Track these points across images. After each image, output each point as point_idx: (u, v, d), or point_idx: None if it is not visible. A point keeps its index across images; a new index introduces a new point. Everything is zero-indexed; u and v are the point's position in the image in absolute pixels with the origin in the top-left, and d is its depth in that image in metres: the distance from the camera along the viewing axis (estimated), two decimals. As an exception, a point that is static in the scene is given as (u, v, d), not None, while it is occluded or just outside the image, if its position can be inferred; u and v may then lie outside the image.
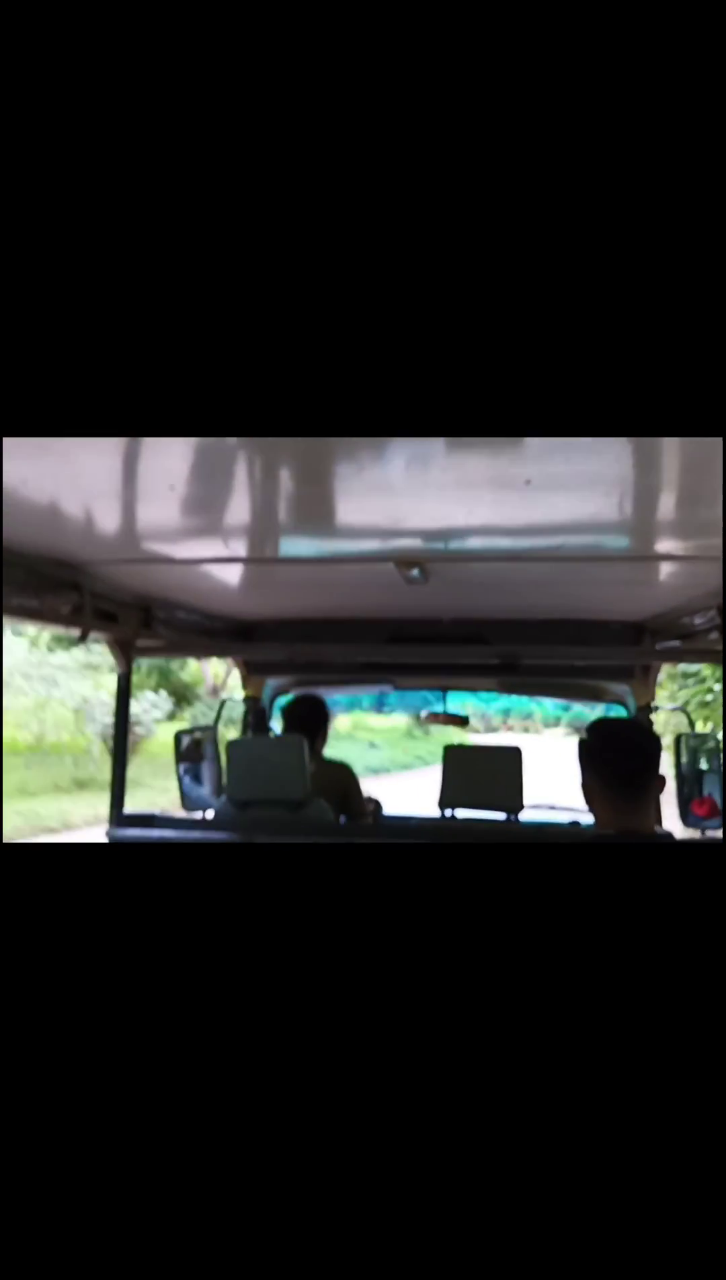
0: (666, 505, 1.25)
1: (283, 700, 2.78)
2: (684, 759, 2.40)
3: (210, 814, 2.39)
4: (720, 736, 2.37)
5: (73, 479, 1.11)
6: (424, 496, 1.21)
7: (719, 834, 2.23)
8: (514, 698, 3.09)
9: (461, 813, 2.17)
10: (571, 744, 1.65)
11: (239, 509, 1.31)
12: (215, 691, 12.17)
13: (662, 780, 1.42)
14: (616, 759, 1.38)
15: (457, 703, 3.11)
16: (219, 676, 12.29)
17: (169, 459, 1.05)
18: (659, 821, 2.46)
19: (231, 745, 2.13)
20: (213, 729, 2.72)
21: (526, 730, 19.41)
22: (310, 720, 2.48)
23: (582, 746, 1.46)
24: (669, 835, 1.96)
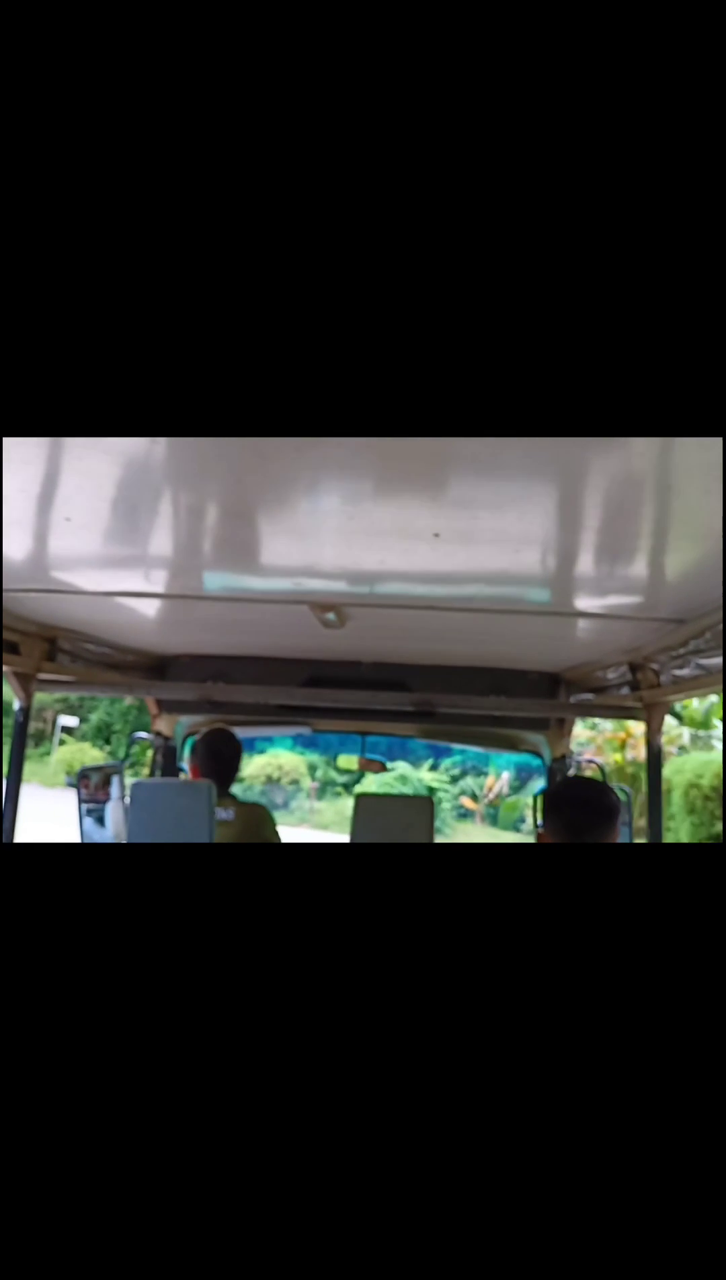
0: (584, 562, 1.26)
1: (192, 737, 2.69)
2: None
3: None
4: (629, 790, 2.41)
5: None
6: (337, 542, 1.20)
7: None
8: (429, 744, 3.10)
9: None
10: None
11: (152, 542, 1.27)
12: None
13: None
14: (573, 813, 1.40)
15: (376, 748, 3.09)
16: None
17: (78, 489, 1.00)
18: None
19: (135, 787, 2.04)
20: (119, 766, 2.60)
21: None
22: (223, 757, 2.39)
23: (546, 798, 1.50)
24: None
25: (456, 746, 2.78)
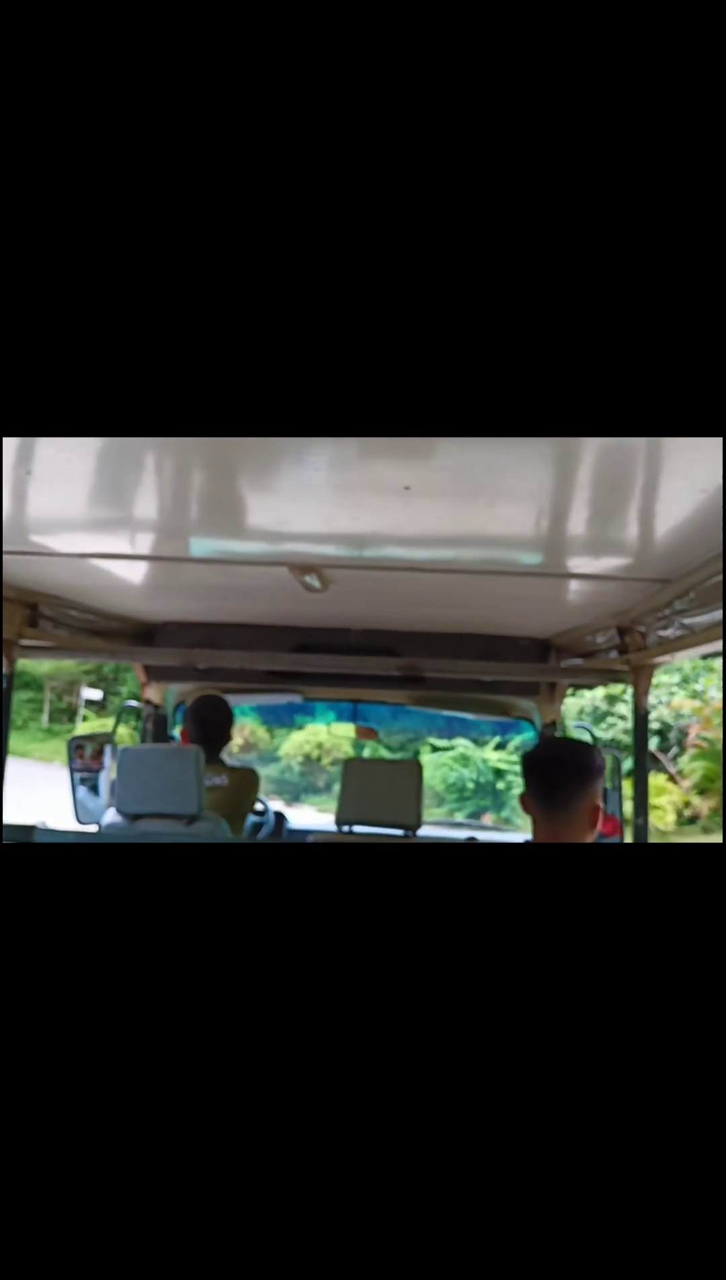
0: (571, 521, 1.23)
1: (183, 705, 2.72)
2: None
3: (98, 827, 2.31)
4: (619, 756, 2.37)
5: None
6: (319, 501, 1.18)
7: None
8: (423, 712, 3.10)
9: (360, 829, 2.13)
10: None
11: (136, 505, 1.27)
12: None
13: (595, 807, 1.42)
14: (549, 772, 1.42)
15: (368, 715, 3.10)
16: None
17: (56, 450, 1.00)
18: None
19: (122, 754, 2.06)
20: (111, 736, 2.63)
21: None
22: (210, 723, 2.40)
23: (523, 760, 1.54)
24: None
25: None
